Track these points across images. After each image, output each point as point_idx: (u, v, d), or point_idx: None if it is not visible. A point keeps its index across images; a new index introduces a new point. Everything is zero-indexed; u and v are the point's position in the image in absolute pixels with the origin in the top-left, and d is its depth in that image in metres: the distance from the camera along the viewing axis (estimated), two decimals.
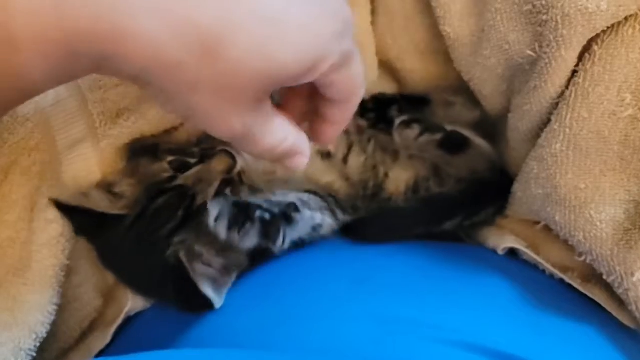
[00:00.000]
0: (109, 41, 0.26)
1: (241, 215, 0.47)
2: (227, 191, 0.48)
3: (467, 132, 0.54)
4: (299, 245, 0.51)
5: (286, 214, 0.49)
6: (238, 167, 0.49)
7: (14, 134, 0.45)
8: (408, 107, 0.58)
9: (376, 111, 0.57)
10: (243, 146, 0.34)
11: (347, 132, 0.57)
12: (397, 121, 0.54)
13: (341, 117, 0.46)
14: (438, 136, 0.53)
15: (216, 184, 0.47)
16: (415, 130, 0.54)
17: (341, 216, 0.54)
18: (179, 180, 0.47)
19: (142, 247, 0.45)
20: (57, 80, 0.28)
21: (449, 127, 0.53)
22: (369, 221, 0.53)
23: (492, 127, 0.55)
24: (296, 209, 0.50)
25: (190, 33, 0.26)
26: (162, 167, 0.48)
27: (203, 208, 0.46)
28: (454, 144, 0.53)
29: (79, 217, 0.46)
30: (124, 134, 0.48)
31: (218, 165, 0.48)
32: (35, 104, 0.45)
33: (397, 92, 0.60)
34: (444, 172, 0.54)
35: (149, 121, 0.49)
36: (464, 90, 0.54)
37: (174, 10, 0.26)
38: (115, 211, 0.45)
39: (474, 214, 0.53)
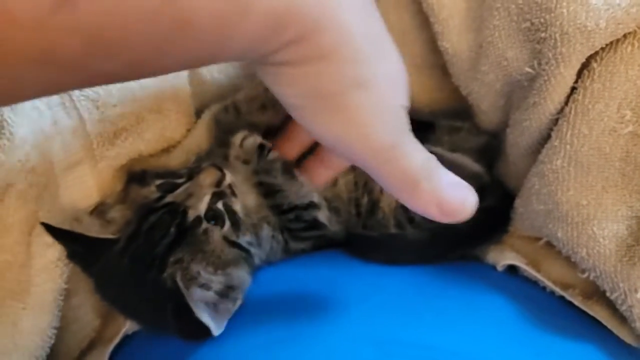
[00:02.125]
0: (311, 20, 0.27)
1: None
2: (219, 205, 0.47)
3: (436, 148, 0.53)
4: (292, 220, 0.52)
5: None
6: (228, 180, 0.49)
7: (10, 156, 0.44)
8: (414, 132, 0.57)
9: None
10: (381, 169, 0.33)
11: None
12: None
13: (339, 164, 0.47)
14: None
15: (207, 198, 0.47)
16: None
17: (335, 223, 0.54)
18: (168, 199, 0.46)
19: (137, 269, 0.43)
20: (243, 53, 0.28)
21: None
22: (375, 243, 0.53)
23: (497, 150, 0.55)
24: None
25: None
26: (150, 190, 0.47)
27: (196, 222, 0.45)
28: None
29: (70, 243, 0.45)
30: (121, 155, 0.48)
31: (206, 178, 0.48)
32: (32, 125, 0.44)
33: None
34: None
35: (146, 141, 0.49)
36: (467, 113, 0.54)
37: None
38: (106, 235, 0.45)
39: (481, 244, 0.53)
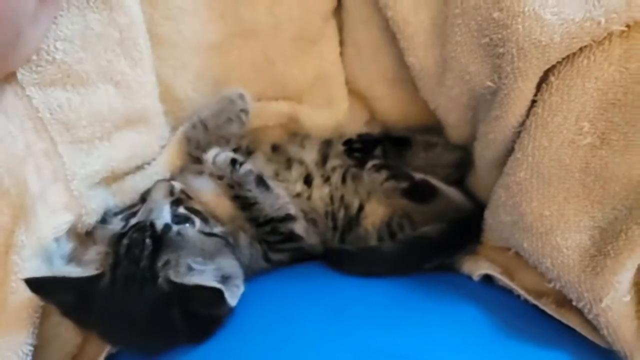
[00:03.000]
0: None
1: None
2: (182, 209, 0.50)
3: (437, 182, 0.54)
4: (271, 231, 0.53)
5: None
6: (177, 187, 0.52)
7: None
8: (391, 147, 0.59)
9: (362, 151, 0.59)
10: None
11: (303, 165, 0.58)
12: (369, 164, 0.56)
13: None
14: (403, 184, 0.54)
15: (167, 208, 0.49)
16: (382, 174, 0.55)
17: (312, 234, 0.55)
18: (132, 222, 0.48)
19: (131, 291, 0.44)
20: None
21: (418, 177, 0.54)
22: (351, 256, 0.54)
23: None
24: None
25: None
26: (115, 223, 0.49)
27: (167, 228, 0.47)
28: (420, 193, 0.54)
29: (58, 292, 0.45)
30: (93, 173, 0.49)
31: (158, 193, 0.51)
32: (5, 149, 0.45)
33: (382, 133, 0.62)
34: (413, 217, 0.55)
35: (118, 159, 0.50)
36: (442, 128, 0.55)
37: None
38: (90, 273, 0.45)
39: (455, 253, 0.53)
